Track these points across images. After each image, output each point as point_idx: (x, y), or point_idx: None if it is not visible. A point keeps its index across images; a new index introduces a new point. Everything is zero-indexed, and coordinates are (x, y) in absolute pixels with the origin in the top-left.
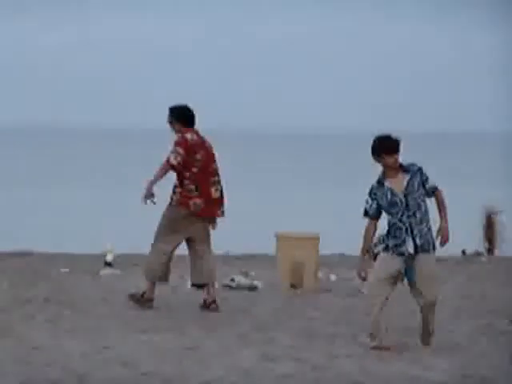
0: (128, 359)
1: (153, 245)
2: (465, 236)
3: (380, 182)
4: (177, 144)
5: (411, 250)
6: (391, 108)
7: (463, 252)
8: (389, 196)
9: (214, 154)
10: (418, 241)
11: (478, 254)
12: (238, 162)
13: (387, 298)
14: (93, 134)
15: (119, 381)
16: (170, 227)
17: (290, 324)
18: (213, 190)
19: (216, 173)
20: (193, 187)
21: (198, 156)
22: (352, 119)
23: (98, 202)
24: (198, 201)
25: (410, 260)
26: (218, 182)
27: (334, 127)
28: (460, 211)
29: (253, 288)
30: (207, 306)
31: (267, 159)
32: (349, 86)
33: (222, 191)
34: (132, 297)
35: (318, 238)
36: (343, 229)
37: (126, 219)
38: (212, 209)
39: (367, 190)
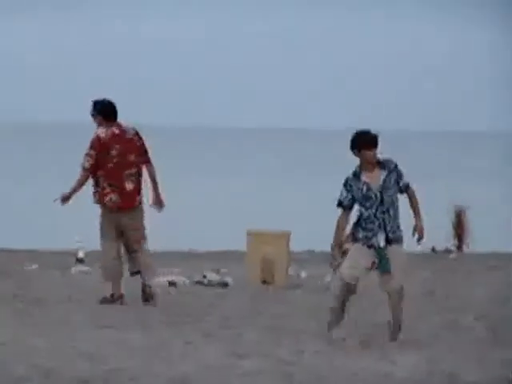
0: (95, 355)
1: (100, 246)
2: (435, 233)
3: (356, 175)
4: (89, 146)
5: (382, 243)
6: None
7: (433, 249)
8: (364, 190)
9: (134, 146)
10: (390, 235)
11: (448, 250)
12: (231, 156)
13: (355, 289)
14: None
15: (86, 377)
16: (104, 226)
17: (259, 320)
18: (127, 182)
19: (133, 164)
20: (108, 183)
21: (113, 151)
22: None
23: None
24: (114, 196)
25: (381, 251)
26: (136, 173)
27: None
28: (431, 208)
29: (224, 284)
30: (145, 295)
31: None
32: (338, 84)
33: (139, 181)
34: (104, 301)
35: (288, 235)
36: (313, 225)
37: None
38: (128, 201)
39: (342, 181)
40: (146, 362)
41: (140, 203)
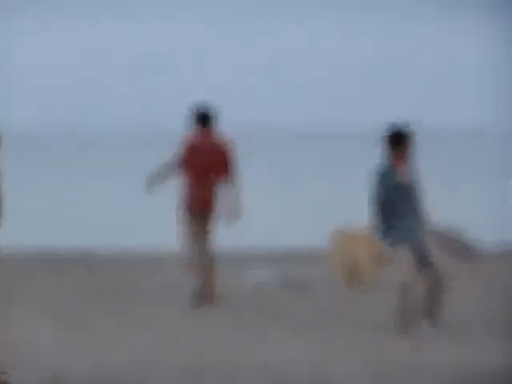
0: (196, 348)
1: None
2: None
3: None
4: (180, 146)
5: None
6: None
7: None
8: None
9: (218, 158)
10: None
11: None
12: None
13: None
14: None
15: (188, 368)
16: (185, 227)
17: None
18: (205, 190)
19: (214, 175)
20: (188, 187)
21: (198, 157)
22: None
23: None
24: (193, 200)
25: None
26: (215, 183)
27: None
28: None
29: (306, 285)
30: (204, 296)
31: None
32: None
33: (216, 192)
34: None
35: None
36: None
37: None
38: (202, 208)
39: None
40: (239, 355)
41: (212, 212)
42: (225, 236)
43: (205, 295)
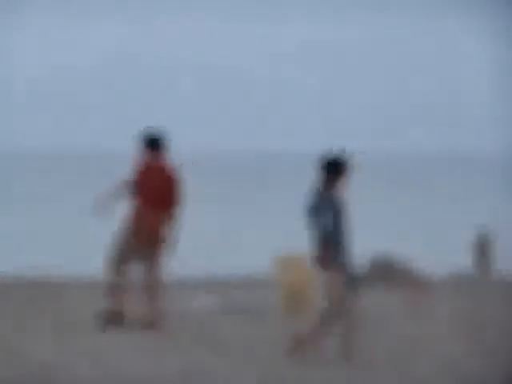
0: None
1: (111, 262)
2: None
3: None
4: (133, 170)
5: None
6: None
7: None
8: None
9: (167, 185)
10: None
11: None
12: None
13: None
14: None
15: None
16: (123, 244)
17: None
18: (156, 217)
19: (164, 201)
20: (140, 210)
21: (150, 182)
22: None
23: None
24: (145, 225)
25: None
26: (166, 211)
27: None
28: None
29: (248, 311)
30: (146, 322)
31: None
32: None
33: (169, 220)
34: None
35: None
36: None
37: None
38: (153, 235)
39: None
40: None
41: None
42: (167, 263)
43: (131, 321)
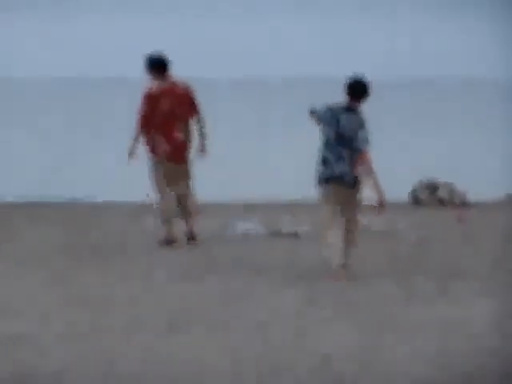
0: (178, 307)
1: (157, 195)
2: None
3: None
4: (141, 99)
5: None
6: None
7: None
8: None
9: (182, 100)
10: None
11: None
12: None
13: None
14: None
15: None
16: (157, 176)
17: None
18: (178, 134)
19: (182, 117)
20: (160, 135)
21: (163, 105)
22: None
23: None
24: (167, 147)
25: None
26: (185, 126)
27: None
28: None
29: (297, 235)
30: (188, 238)
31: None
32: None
33: (189, 134)
34: (162, 243)
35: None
36: None
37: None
38: (179, 153)
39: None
40: (224, 310)
41: (189, 155)
42: (206, 187)
43: (176, 239)
